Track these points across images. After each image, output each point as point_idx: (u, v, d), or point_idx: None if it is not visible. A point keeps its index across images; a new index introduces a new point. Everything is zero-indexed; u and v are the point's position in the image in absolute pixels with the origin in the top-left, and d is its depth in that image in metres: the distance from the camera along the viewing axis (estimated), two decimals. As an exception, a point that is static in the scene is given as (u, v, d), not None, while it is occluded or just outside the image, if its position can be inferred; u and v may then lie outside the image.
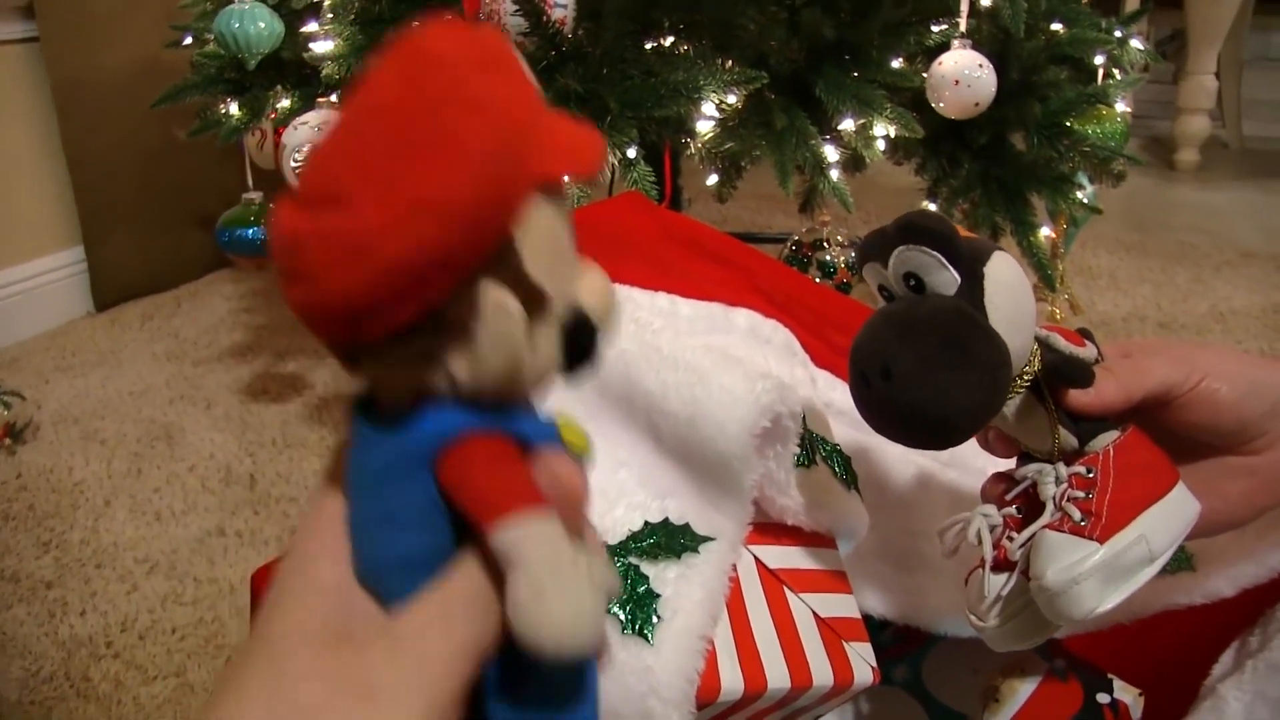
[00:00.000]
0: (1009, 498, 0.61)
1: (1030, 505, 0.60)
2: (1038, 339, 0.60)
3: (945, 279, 0.55)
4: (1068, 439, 0.59)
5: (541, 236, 0.36)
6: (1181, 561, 0.73)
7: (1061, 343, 0.60)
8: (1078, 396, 0.58)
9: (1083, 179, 1.72)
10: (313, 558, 0.39)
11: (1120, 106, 1.85)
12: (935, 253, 0.55)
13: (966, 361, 0.54)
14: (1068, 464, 0.59)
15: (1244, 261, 2.59)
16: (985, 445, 0.64)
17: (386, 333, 0.35)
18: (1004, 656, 0.80)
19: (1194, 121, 3.44)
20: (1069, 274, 2.36)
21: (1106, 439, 0.59)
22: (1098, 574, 0.55)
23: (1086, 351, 0.61)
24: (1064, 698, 0.77)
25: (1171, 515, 0.58)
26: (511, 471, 0.37)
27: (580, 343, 0.39)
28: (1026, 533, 0.58)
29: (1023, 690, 0.78)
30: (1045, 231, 1.85)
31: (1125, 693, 0.78)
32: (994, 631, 0.61)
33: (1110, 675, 0.79)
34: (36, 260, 2.37)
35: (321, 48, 1.52)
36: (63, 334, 2.34)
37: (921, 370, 0.54)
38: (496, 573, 0.36)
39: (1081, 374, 0.58)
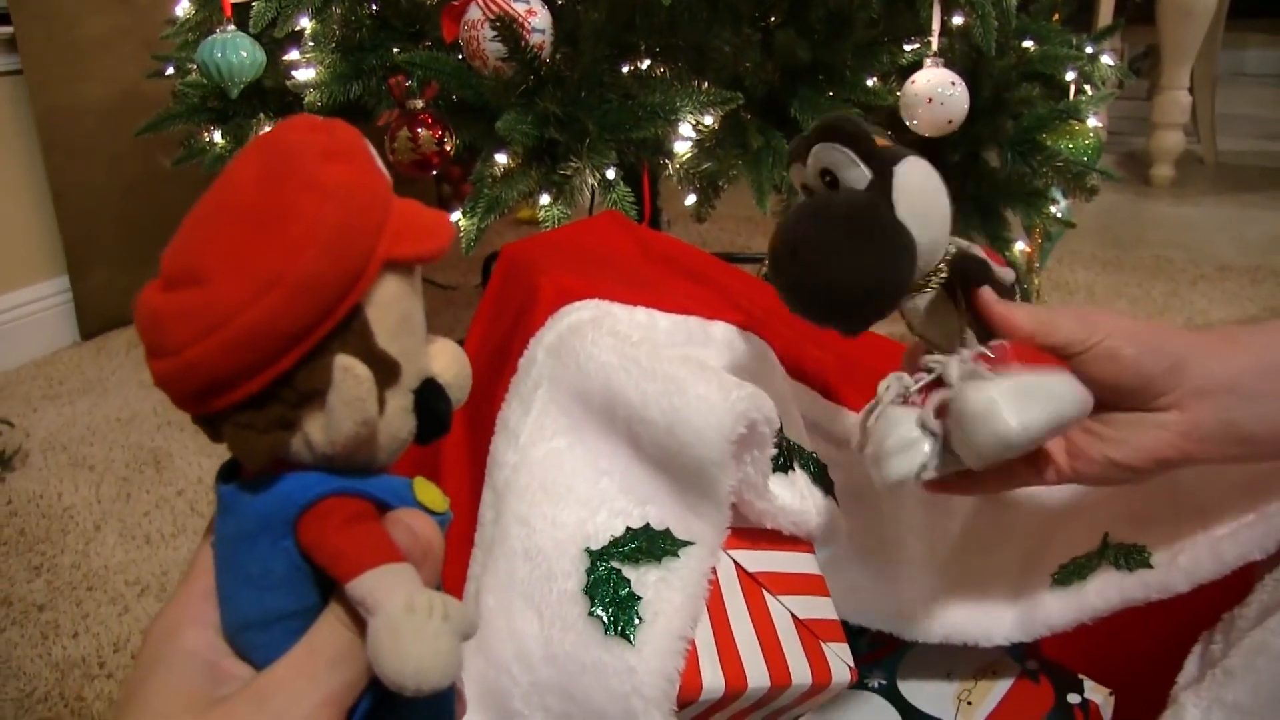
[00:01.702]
0: (916, 388, 0.63)
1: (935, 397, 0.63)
2: (959, 247, 0.63)
3: (857, 175, 0.59)
4: (972, 340, 0.63)
5: (390, 310, 0.39)
6: (1140, 560, 0.75)
7: (979, 251, 0.64)
8: (990, 302, 0.62)
9: (1056, 194, 1.74)
10: (181, 625, 0.41)
11: (1092, 122, 1.88)
12: (848, 149, 0.59)
13: (868, 243, 0.58)
14: None
15: (1220, 275, 2.61)
16: (907, 365, 0.66)
17: (243, 400, 0.38)
18: (978, 659, 0.82)
19: (1169, 137, 3.47)
20: (1046, 289, 2.38)
21: (1003, 342, 0.62)
22: (1013, 395, 0.57)
23: (1005, 272, 0.64)
24: (1036, 698, 0.79)
25: (1070, 382, 0.60)
26: (367, 529, 0.39)
27: (433, 409, 0.41)
28: (940, 393, 0.60)
29: (995, 692, 0.80)
30: (1021, 246, 1.88)
31: (1096, 693, 0.80)
32: (890, 458, 0.62)
33: (1081, 676, 0.81)
34: (22, 290, 2.38)
35: (303, 75, 1.54)
36: (49, 363, 2.35)
37: (825, 250, 0.58)
38: (360, 623, 0.38)
39: (981, 270, 0.62)
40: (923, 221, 0.60)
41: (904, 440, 0.61)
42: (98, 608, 1.46)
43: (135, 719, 0.39)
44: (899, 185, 0.59)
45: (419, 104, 1.38)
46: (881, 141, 0.61)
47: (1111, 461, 0.64)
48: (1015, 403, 0.57)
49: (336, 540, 0.39)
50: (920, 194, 0.60)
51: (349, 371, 0.38)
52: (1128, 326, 0.63)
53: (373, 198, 0.39)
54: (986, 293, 0.62)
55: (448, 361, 0.43)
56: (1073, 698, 0.79)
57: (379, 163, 0.40)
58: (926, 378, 0.63)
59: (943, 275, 0.62)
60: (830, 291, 0.58)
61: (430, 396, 0.41)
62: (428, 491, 0.43)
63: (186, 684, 0.40)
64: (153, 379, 0.39)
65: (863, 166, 0.59)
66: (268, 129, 0.40)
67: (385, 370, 0.39)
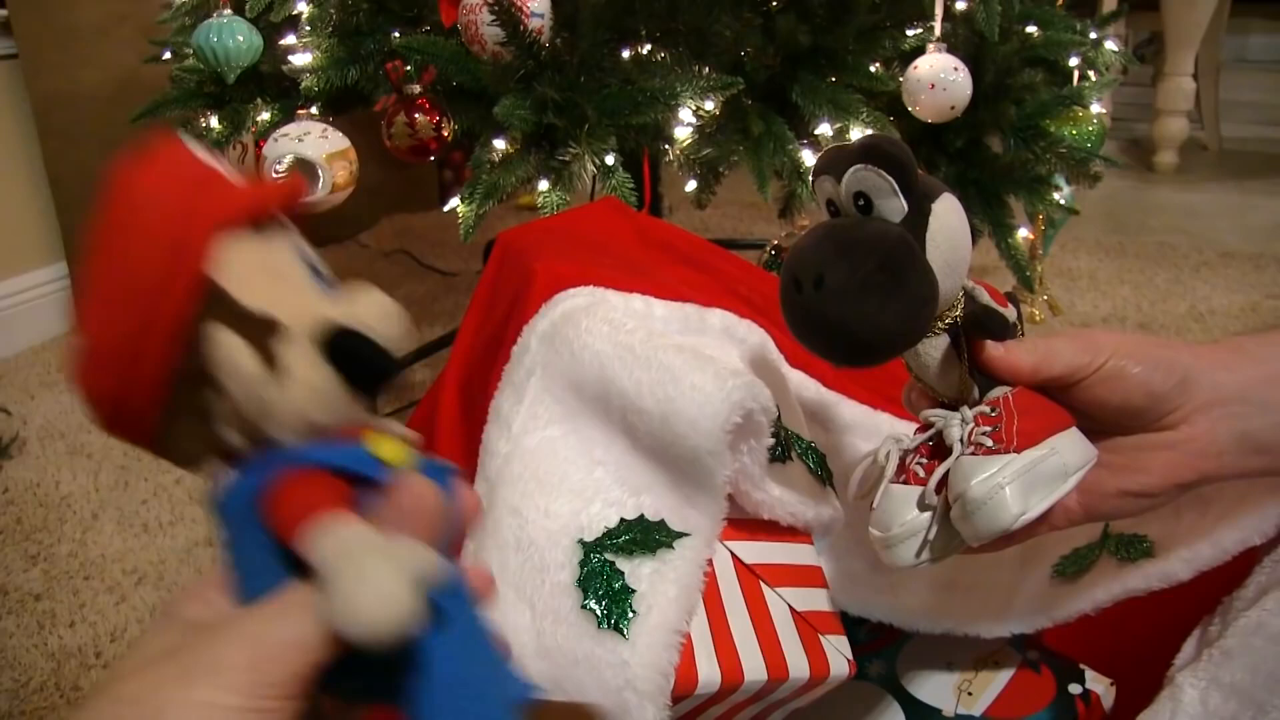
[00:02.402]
0: (914, 444, 0.62)
1: (936, 452, 0.61)
2: (964, 288, 0.61)
3: (894, 206, 0.56)
4: (971, 388, 0.61)
5: (249, 271, 0.39)
6: (1141, 550, 0.74)
7: (985, 295, 0.62)
8: (993, 351, 0.60)
9: (1059, 180, 1.74)
10: (178, 600, 0.42)
11: (1096, 108, 1.87)
12: (890, 178, 0.56)
13: (898, 289, 0.55)
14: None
15: (1223, 262, 2.60)
16: (907, 404, 0.65)
17: (159, 417, 0.39)
18: (978, 650, 0.81)
19: (1172, 123, 3.46)
20: (1048, 276, 2.37)
21: (1000, 391, 0.60)
22: (1017, 481, 0.56)
23: (1008, 312, 0.63)
24: (1037, 688, 0.78)
25: (1077, 441, 0.59)
26: (308, 490, 0.39)
27: (352, 354, 0.40)
28: (941, 469, 0.59)
29: (996, 682, 0.79)
30: (1023, 233, 1.87)
31: (1097, 683, 0.79)
32: (894, 546, 0.61)
33: (1082, 666, 0.80)
34: (19, 277, 2.37)
35: (300, 60, 1.53)
36: (47, 350, 2.34)
37: (854, 287, 0.55)
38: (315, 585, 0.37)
39: (999, 327, 0.60)
40: (948, 269, 0.57)
41: (911, 527, 0.59)
42: (95, 597, 1.45)
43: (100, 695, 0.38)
44: (934, 226, 0.56)
45: (416, 89, 1.38)
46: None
47: (1126, 493, 0.61)
48: (1020, 491, 0.56)
49: (280, 508, 0.38)
50: (951, 239, 0.57)
51: (213, 340, 0.38)
52: (1131, 344, 0.61)
53: (190, 186, 0.40)
54: (991, 351, 0.60)
55: (365, 305, 0.41)
56: (1074, 688, 0.78)
57: (212, 162, 0.41)
58: (923, 436, 0.61)
59: (948, 322, 0.60)
60: (852, 332, 0.56)
61: (341, 340, 0.39)
62: (386, 446, 0.42)
63: (160, 643, 0.39)
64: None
65: (901, 199, 0.56)
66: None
67: (258, 326, 0.39)
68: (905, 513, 0.59)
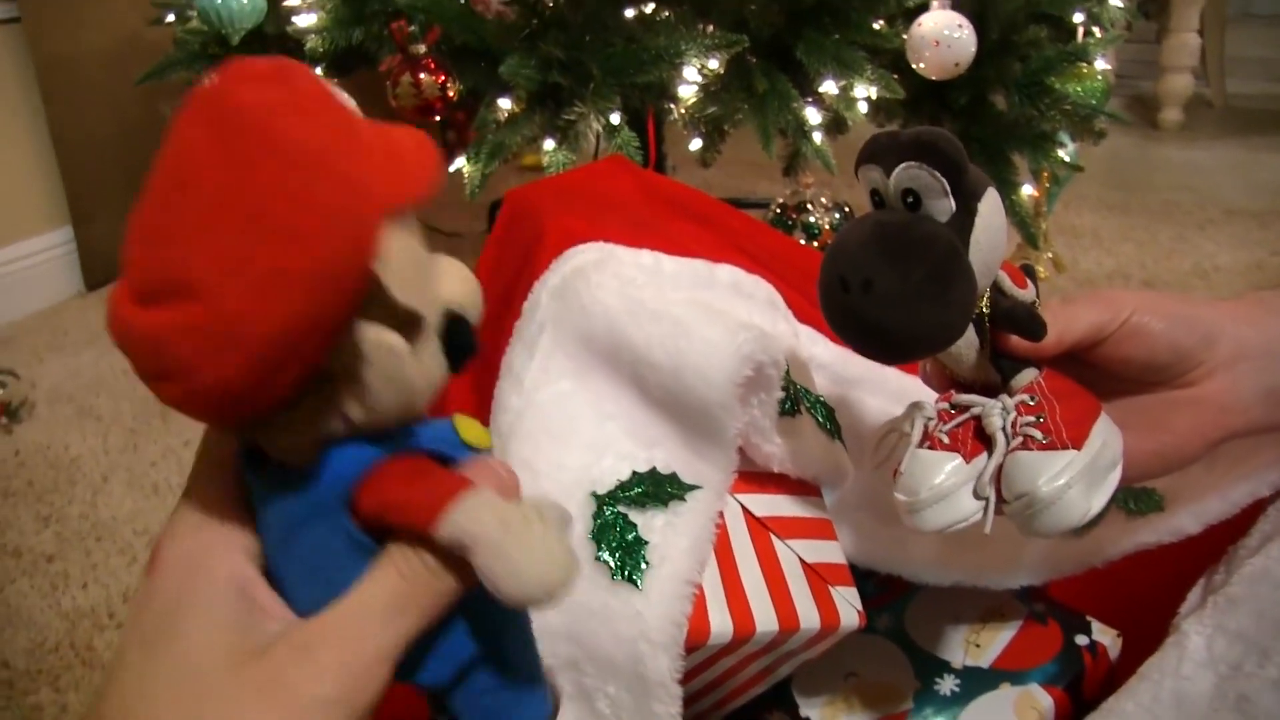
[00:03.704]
0: (951, 426, 0.61)
1: (967, 433, 0.61)
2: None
3: (943, 206, 0.55)
4: (991, 376, 0.61)
5: (402, 263, 0.36)
6: (1152, 503, 0.74)
7: (1008, 284, 0.61)
8: (1017, 341, 0.60)
9: (1064, 137, 1.73)
10: (211, 551, 0.38)
11: (1101, 64, 1.86)
12: (944, 179, 0.55)
13: (944, 298, 0.54)
14: (991, 396, 0.60)
15: (1227, 219, 2.60)
16: (924, 378, 0.65)
17: (273, 405, 0.35)
18: (985, 603, 0.82)
19: (1177, 80, 3.45)
20: (1052, 233, 2.37)
21: (1029, 375, 0.60)
22: (1083, 479, 0.56)
23: (1027, 293, 0.62)
24: (1044, 640, 0.79)
25: (1112, 428, 0.59)
26: (431, 476, 0.38)
27: (461, 342, 0.39)
28: (993, 463, 0.58)
29: (1003, 634, 0.80)
30: (1028, 190, 1.87)
31: (1103, 634, 0.80)
32: (921, 511, 0.60)
33: (1089, 618, 0.81)
34: (25, 241, 2.37)
35: (304, 21, 1.53)
36: (54, 314, 2.35)
37: (903, 294, 0.54)
38: (426, 569, 0.37)
39: (1033, 327, 0.59)
40: (986, 269, 0.57)
41: (938, 492, 0.59)
42: (106, 558, 1.47)
43: (171, 670, 0.36)
44: (979, 227, 0.55)
45: (421, 49, 1.37)
46: None
47: (1153, 453, 0.61)
48: (1085, 489, 0.56)
49: (404, 496, 0.37)
50: (992, 241, 0.56)
51: (381, 345, 0.36)
52: (1152, 300, 0.61)
53: (358, 150, 0.34)
54: (1016, 339, 0.60)
55: (458, 284, 0.40)
56: (1080, 639, 0.79)
57: (341, 95, 0.36)
58: (959, 417, 0.61)
59: (976, 313, 0.59)
60: (894, 336, 0.55)
61: (456, 332, 0.39)
62: (471, 429, 0.41)
63: (224, 629, 0.37)
64: (163, 401, 0.35)
65: (951, 200, 0.55)
66: (206, 82, 0.35)
67: (411, 326, 0.37)
68: (933, 477, 0.59)
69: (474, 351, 0.40)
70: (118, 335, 0.34)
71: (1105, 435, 0.58)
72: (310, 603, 0.38)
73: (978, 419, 0.60)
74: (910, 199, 0.56)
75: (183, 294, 0.32)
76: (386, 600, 0.37)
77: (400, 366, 0.36)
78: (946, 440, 0.60)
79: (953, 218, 0.55)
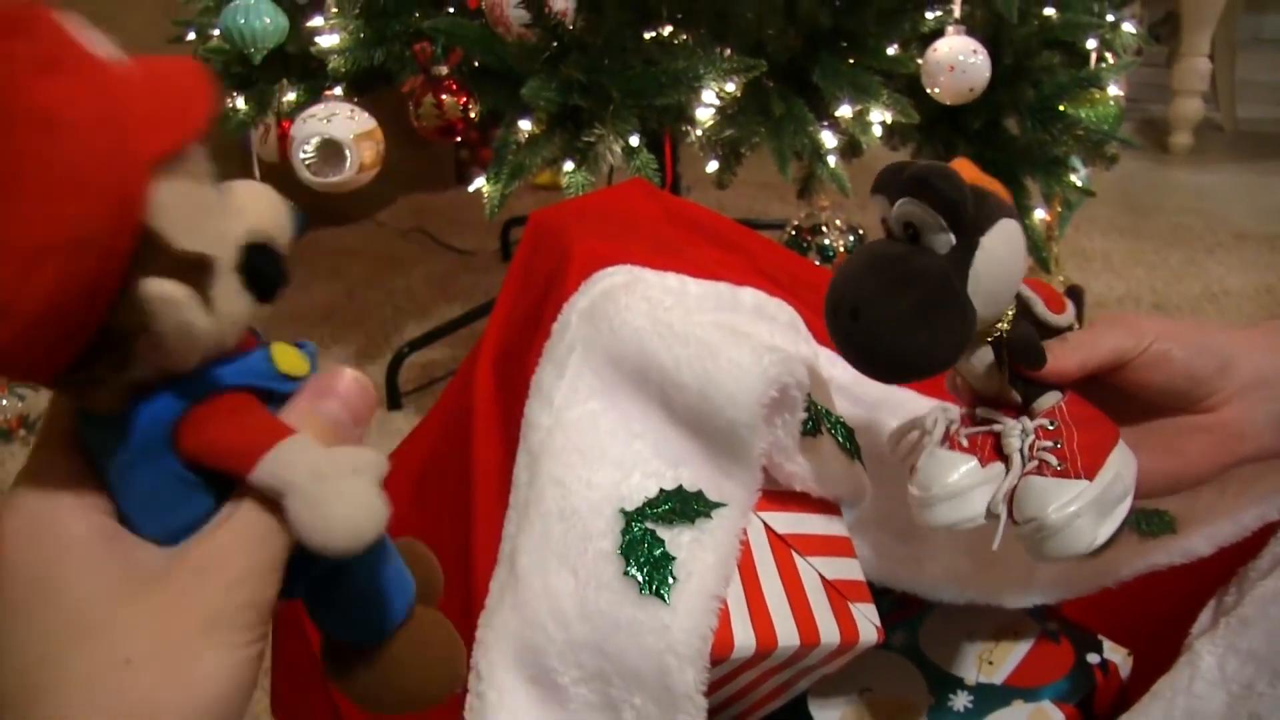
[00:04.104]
0: (971, 432, 0.63)
1: (985, 441, 0.63)
2: (1020, 297, 0.62)
3: (941, 240, 0.57)
4: (1014, 396, 0.63)
5: (180, 208, 0.35)
6: (1164, 524, 0.76)
7: (1040, 308, 0.63)
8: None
9: (1076, 162, 1.75)
10: (57, 512, 0.38)
11: (1113, 90, 1.88)
12: (939, 216, 0.57)
13: (929, 329, 0.57)
14: (1012, 417, 0.62)
15: (1237, 243, 2.60)
16: (951, 389, 0.67)
17: (67, 367, 0.34)
18: (999, 620, 0.83)
19: (1188, 104, 3.44)
20: (1064, 256, 2.38)
21: (1051, 399, 0.62)
22: (1092, 509, 0.58)
23: (1063, 318, 0.64)
24: (1056, 658, 0.80)
25: (1128, 458, 0.61)
26: (250, 418, 0.38)
27: (263, 272, 0.38)
28: (1008, 483, 0.60)
29: (1016, 652, 0.81)
30: (1040, 214, 1.88)
31: (1115, 653, 0.81)
32: (932, 506, 0.62)
33: (1100, 636, 0.82)
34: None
35: (327, 41, 1.55)
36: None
37: (885, 323, 0.57)
38: (270, 506, 0.37)
39: (1032, 357, 0.61)
40: (990, 299, 0.59)
41: (951, 490, 0.61)
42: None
43: (65, 627, 0.36)
44: (979, 260, 0.57)
45: (443, 70, 1.39)
46: (986, 183, 0.59)
47: (1165, 475, 0.63)
48: (1094, 519, 0.58)
49: (222, 439, 0.37)
50: (995, 273, 0.58)
51: (160, 297, 0.34)
52: (1173, 328, 0.63)
53: (114, 103, 0.33)
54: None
55: (258, 211, 0.39)
56: (1092, 658, 0.80)
57: (99, 43, 0.34)
58: (978, 430, 0.63)
59: (994, 335, 0.61)
60: (884, 362, 0.59)
61: (253, 261, 0.37)
62: (287, 358, 0.40)
63: (105, 574, 0.37)
64: None
65: (949, 234, 0.57)
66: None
67: (198, 270, 0.35)
68: (946, 475, 0.61)
69: (283, 280, 0.39)
70: None
71: (1119, 467, 0.59)
72: (147, 529, 0.39)
73: (997, 436, 0.62)
74: (910, 231, 0.58)
75: None
76: (252, 530, 0.37)
77: (185, 317, 0.35)
78: (965, 444, 0.62)
79: (951, 251, 0.57)
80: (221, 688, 0.37)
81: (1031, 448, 0.61)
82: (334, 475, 0.36)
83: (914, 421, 0.66)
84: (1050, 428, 0.61)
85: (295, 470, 0.36)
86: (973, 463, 0.61)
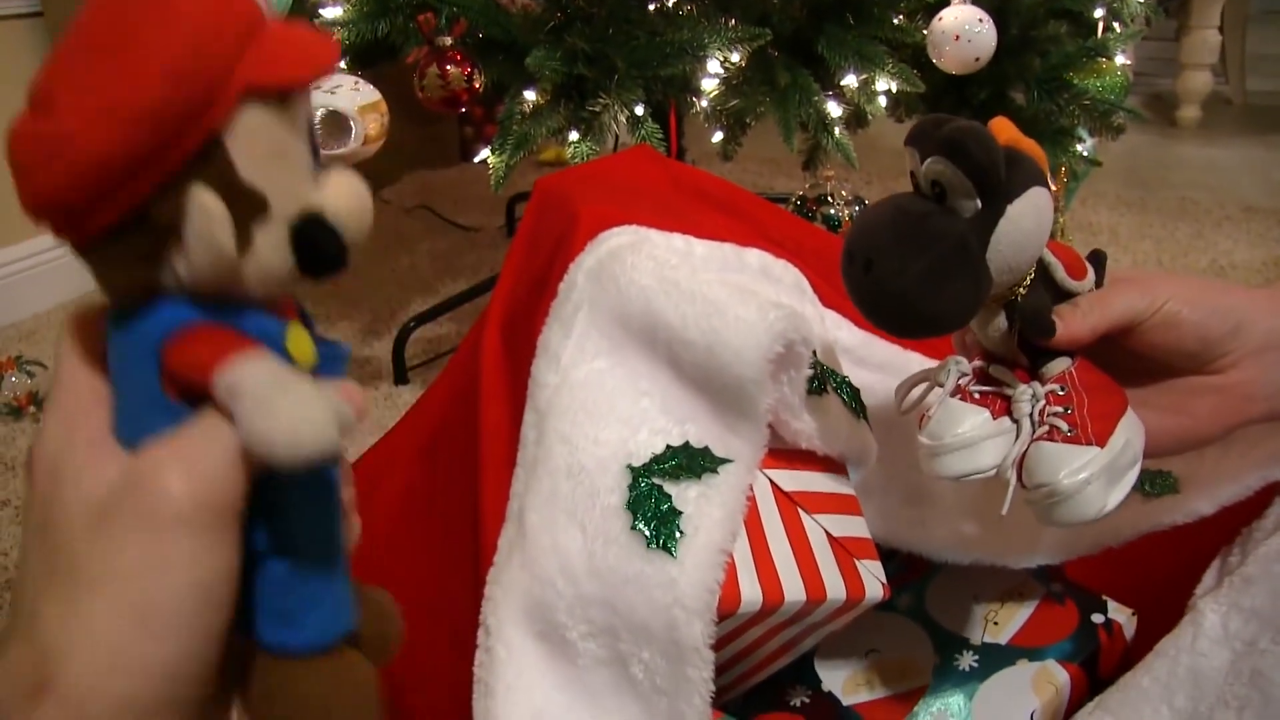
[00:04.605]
0: (981, 393, 0.63)
1: (997, 397, 0.63)
2: (1041, 262, 0.62)
3: (966, 204, 0.57)
4: (1022, 358, 0.63)
5: (254, 140, 0.37)
6: (1167, 485, 0.76)
7: (1060, 274, 0.63)
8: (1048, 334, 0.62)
9: (1082, 133, 1.74)
10: (74, 444, 0.40)
11: (1120, 60, 1.87)
12: (967, 179, 0.56)
13: (939, 293, 0.57)
14: (1023, 379, 0.63)
15: (1245, 216, 2.60)
16: (959, 346, 0.67)
17: (99, 231, 0.37)
18: (1004, 582, 0.84)
19: (1196, 77, 3.43)
20: (1070, 230, 2.38)
21: (1061, 364, 0.62)
22: (1103, 476, 0.58)
23: (1083, 284, 0.64)
24: (1061, 618, 0.81)
25: (1136, 425, 0.61)
26: (226, 339, 0.38)
27: (317, 244, 0.39)
28: (1017, 448, 0.61)
29: (1021, 613, 0.82)
30: (1046, 186, 1.87)
31: (1119, 613, 0.81)
32: (942, 456, 0.62)
33: (1105, 597, 0.83)
34: (50, 235, 2.39)
35: (330, 13, 1.55)
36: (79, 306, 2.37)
37: (896, 281, 0.57)
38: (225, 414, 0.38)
39: (1041, 330, 0.61)
40: (1008, 267, 0.58)
41: (963, 440, 0.61)
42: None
43: (53, 563, 0.38)
44: (1002, 229, 0.57)
45: (448, 41, 1.39)
46: (1022, 144, 0.59)
47: (1171, 434, 0.63)
48: (1104, 485, 0.58)
49: (196, 351, 0.38)
50: (1017, 243, 0.58)
51: (200, 205, 0.36)
52: (1187, 288, 0.63)
53: (227, 21, 0.37)
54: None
55: (339, 194, 0.40)
56: (1096, 618, 0.81)
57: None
58: (989, 389, 0.63)
59: (1009, 297, 0.61)
60: (892, 316, 0.59)
61: (310, 229, 0.39)
62: (299, 341, 0.41)
63: (81, 502, 0.38)
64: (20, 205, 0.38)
65: (976, 199, 0.57)
66: None
67: (248, 203, 0.38)
68: (958, 425, 0.61)
69: (333, 263, 0.40)
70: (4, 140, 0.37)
71: (1128, 434, 0.60)
72: (124, 432, 0.40)
73: (1007, 399, 0.62)
74: (938, 190, 0.58)
75: (42, 108, 0.36)
76: (205, 430, 0.38)
77: (215, 234, 0.37)
78: (977, 396, 0.62)
79: (976, 215, 0.57)
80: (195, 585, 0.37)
81: (1042, 413, 0.61)
82: (293, 387, 0.37)
83: (925, 373, 0.66)
84: (1061, 393, 0.61)
85: (254, 377, 0.37)
86: (985, 414, 0.61)
